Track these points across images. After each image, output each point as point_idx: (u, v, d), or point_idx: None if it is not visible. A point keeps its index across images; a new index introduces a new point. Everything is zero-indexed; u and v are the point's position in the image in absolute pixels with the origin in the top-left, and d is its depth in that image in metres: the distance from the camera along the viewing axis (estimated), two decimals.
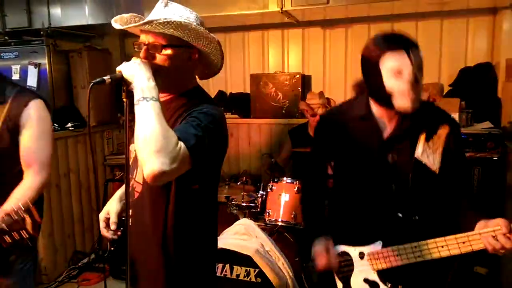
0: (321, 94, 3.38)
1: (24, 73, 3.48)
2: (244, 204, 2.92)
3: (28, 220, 1.32)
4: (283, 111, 3.82)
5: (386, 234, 1.49)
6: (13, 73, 3.53)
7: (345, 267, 1.56)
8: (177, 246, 1.35)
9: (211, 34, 1.29)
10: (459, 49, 3.43)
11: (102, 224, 1.52)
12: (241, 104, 4.01)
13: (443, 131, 1.49)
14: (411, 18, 3.48)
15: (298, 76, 3.73)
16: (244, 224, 2.66)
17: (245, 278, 2.43)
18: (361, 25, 3.65)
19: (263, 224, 2.74)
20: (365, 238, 1.53)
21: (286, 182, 2.73)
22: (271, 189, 2.76)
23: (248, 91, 4.04)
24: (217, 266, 2.43)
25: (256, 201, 2.88)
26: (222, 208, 3.02)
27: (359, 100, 1.60)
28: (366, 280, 1.51)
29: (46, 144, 1.69)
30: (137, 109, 1.16)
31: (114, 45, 4.05)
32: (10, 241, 1.34)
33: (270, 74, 3.90)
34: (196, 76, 1.46)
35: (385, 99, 1.43)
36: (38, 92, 3.33)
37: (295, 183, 2.70)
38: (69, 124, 3.44)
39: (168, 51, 1.28)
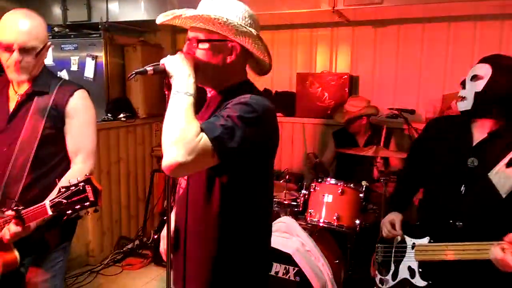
0: (368, 102, 3.31)
1: (82, 64, 3.65)
2: (286, 202, 2.93)
3: (88, 188, 1.37)
4: (328, 112, 3.78)
5: (435, 232, 1.70)
6: (71, 64, 3.71)
7: (400, 253, 1.82)
8: (221, 244, 1.30)
9: (249, 28, 1.23)
10: None
11: (164, 245, 1.49)
12: (286, 102, 4.01)
13: None
14: (469, 19, 3.34)
15: (345, 76, 3.68)
16: (285, 222, 2.67)
17: (284, 276, 2.45)
18: (414, 25, 3.55)
19: (304, 223, 2.74)
20: (420, 232, 1.76)
21: (330, 183, 2.71)
22: (314, 189, 2.75)
23: (294, 90, 4.03)
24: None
25: (298, 200, 2.88)
26: None
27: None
28: (409, 268, 1.76)
29: (92, 133, 1.74)
30: (169, 102, 1.16)
31: (166, 40, 4.16)
32: (71, 212, 1.38)
33: (317, 73, 3.87)
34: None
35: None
36: (94, 84, 3.55)
37: (339, 184, 2.67)
38: (121, 115, 3.58)
39: (206, 46, 1.26)
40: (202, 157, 1.09)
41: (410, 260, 1.76)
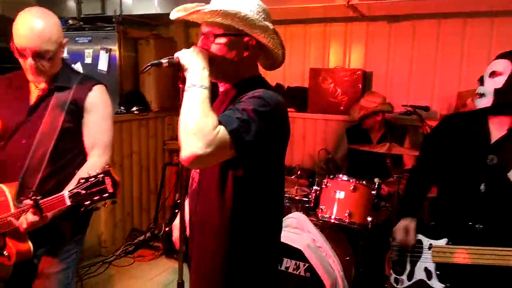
0: (384, 99, 3.27)
1: (96, 57, 3.67)
2: (297, 197, 2.93)
3: (107, 180, 1.38)
4: (341, 108, 3.76)
5: (453, 234, 1.68)
6: (85, 57, 3.74)
7: (416, 253, 1.80)
8: (234, 238, 1.32)
9: (265, 22, 1.24)
10: None
11: (176, 233, 1.52)
12: (298, 98, 3.99)
13: None
14: (485, 16, 3.27)
15: (359, 72, 3.65)
16: (296, 217, 2.67)
17: (294, 271, 2.45)
18: (429, 21, 3.49)
19: (315, 219, 2.73)
20: (437, 232, 1.75)
21: (342, 180, 2.69)
22: (326, 185, 2.74)
23: (306, 85, 4.01)
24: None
25: (309, 196, 2.88)
26: None
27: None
28: (425, 269, 1.74)
29: (109, 127, 1.77)
30: (185, 95, 1.16)
31: (179, 34, 4.17)
32: (89, 203, 1.39)
33: (330, 69, 3.85)
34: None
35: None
36: (108, 76, 3.58)
37: (351, 181, 2.65)
38: (134, 108, 3.61)
39: (223, 40, 1.26)
40: (220, 149, 1.10)
41: (426, 261, 1.74)
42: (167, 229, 3.47)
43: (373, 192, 2.67)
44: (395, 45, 3.67)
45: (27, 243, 1.60)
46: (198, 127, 1.08)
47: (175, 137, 4.02)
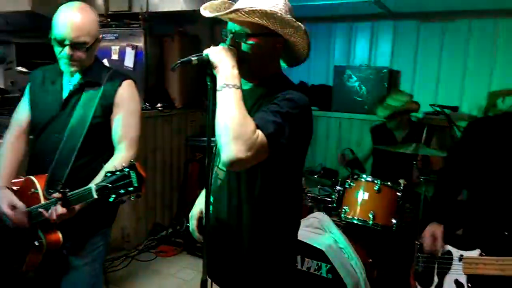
0: (411, 97, 3.19)
1: (122, 54, 3.72)
2: (319, 197, 2.90)
3: (133, 174, 1.39)
4: (366, 106, 3.70)
5: (486, 245, 1.61)
6: (112, 53, 3.79)
7: (445, 264, 1.73)
8: (256, 234, 1.36)
9: (298, 22, 1.25)
10: None
11: (194, 223, 1.56)
12: (322, 96, 3.96)
13: None
14: None
15: (385, 70, 3.58)
16: (318, 218, 2.64)
17: (316, 272, 2.43)
18: (460, 19, 3.39)
19: (337, 220, 2.70)
20: (468, 243, 1.68)
21: (366, 180, 2.65)
22: (349, 185, 2.70)
23: (330, 83, 3.97)
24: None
25: (332, 196, 2.84)
26: None
27: None
28: (456, 281, 1.68)
29: (136, 122, 1.80)
30: (219, 95, 1.18)
31: (204, 31, 4.18)
32: (115, 196, 1.41)
33: (355, 67, 3.79)
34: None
35: None
36: (134, 73, 3.62)
37: (375, 182, 2.60)
38: (159, 105, 3.64)
39: (254, 40, 1.27)
40: (259, 152, 1.14)
41: (457, 273, 1.67)
42: (188, 225, 3.49)
43: (398, 193, 2.62)
44: (424, 43, 3.58)
45: (57, 233, 1.64)
46: (239, 131, 1.11)
47: (198, 134, 4.05)
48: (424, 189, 2.49)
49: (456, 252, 1.70)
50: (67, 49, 1.63)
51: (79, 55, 1.66)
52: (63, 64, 1.69)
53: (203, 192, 1.55)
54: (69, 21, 1.61)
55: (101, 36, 1.74)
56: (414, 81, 3.65)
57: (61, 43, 1.63)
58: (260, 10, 1.19)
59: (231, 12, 1.21)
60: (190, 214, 1.60)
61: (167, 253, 3.46)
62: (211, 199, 1.38)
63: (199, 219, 1.56)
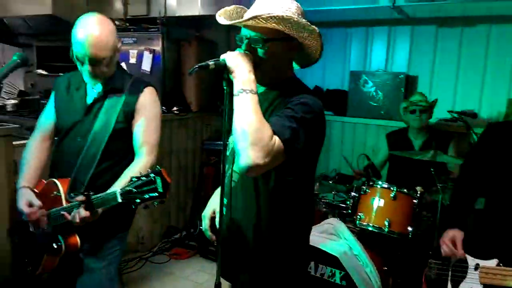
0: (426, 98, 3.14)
1: (140, 58, 3.76)
2: (334, 203, 2.88)
3: (158, 180, 1.40)
4: (382, 112, 3.67)
5: (504, 254, 1.55)
6: (130, 57, 3.84)
7: (460, 272, 1.68)
8: (270, 238, 1.38)
9: (312, 25, 1.26)
10: None
11: (207, 223, 1.56)
12: (337, 101, 3.94)
13: None
14: None
15: (402, 76, 3.55)
16: (333, 224, 2.62)
17: (329, 279, 2.41)
18: (479, 24, 3.34)
19: (352, 226, 2.67)
20: (486, 252, 1.62)
21: (382, 187, 2.62)
22: (364, 191, 2.67)
23: (345, 88, 3.95)
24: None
25: (347, 202, 2.82)
26: None
27: None
28: None
29: (156, 127, 1.82)
30: (236, 100, 1.19)
31: (220, 36, 4.20)
32: (139, 201, 1.42)
33: (372, 72, 3.76)
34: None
35: None
36: (151, 77, 3.67)
37: (391, 188, 2.57)
38: (175, 108, 3.68)
39: (271, 44, 1.28)
40: (276, 158, 1.17)
41: (472, 282, 1.62)
42: (201, 227, 3.50)
43: (415, 201, 2.58)
44: (442, 48, 3.54)
45: (75, 237, 1.67)
46: (257, 137, 1.13)
47: (213, 137, 4.07)
48: (441, 197, 2.45)
49: (472, 261, 1.65)
50: (87, 66, 1.66)
51: (100, 70, 1.69)
52: (86, 77, 1.73)
53: (216, 192, 1.62)
54: (88, 39, 1.61)
55: (119, 44, 1.75)
56: (431, 87, 3.61)
57: (82, 61, 1.65)
58: (278, 16, 1.20)
59: (249, 19, 1.22)
60: (202, 214, 1.61)
61: (180, 256, 3.48)
62: (225, 201, 1.39)
63: (212, 218, 1.57)
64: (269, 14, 1.20)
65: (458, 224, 1.77)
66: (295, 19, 1.22)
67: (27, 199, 1.69)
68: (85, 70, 1.68)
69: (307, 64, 1.46)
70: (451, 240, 1.73)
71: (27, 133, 3.55)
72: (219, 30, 4.21)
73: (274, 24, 1.22)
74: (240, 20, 1.26)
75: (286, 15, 1.21)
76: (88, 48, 1.61)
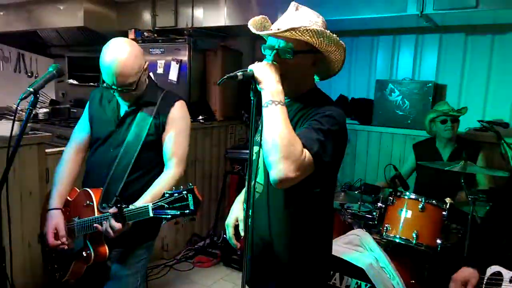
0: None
1: (167, 68, 3.85)
2: (360, 213, 2.83)
3: (190, 197, 1.43)
4: (408, 121, 3.60)
5: None
6: (158, 67, 3.93)
7: (494, 285, 1.62)
8: (293, 248, 1.39)
9: (341, 41, 1.29)
10: None
11: (231, 231, 1.57)
12: (363, 110, 3.89)
13: None
14: None
15: (430, 84, 3.48)
16: (358, 235, 2.58)
17: None
18: (511, 32, 3.24)
19: (378, 238, 2.62)
20: None
21: (410, 198, 2.56)
22: (392, 202, 2.62)
23: (371, 97, 3.90)
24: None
25: (373, 213, 2.77)
26: (336, 215, 2.97)
27: None
28: None
29: (185, 140, 1.86)
30: (265, 112, 1.20)
31: (245, 46, 4.25)
32: (170, 217, 1.46)
33: (398, 80, 3.70)
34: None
35: None
36: (177, 86, 3.73)
37: (419, 200, 2.51)
38: (200, 117, 3.72)
39: (301, 56, 1.29)
40: (306, 171, 1.19)
41: None
42: (225, 236, 3.51)
43: (444, 212, 2.51)
44: (472, 57, 3.45)
45: (104, 246, 1.70)
46: (289, 151, 1.14)
47: (237, 146, 4.09)
48: (472, 209, 2.37)
49: (507, 274, 1.60)
50: (116, 92, 1.71)
51: (129, 94, 1.73)
52: (118, 97, 1.78)
53: (236, 200, 1.64)
54: (114, 68, 1.63)
55: (146, 64, 1.76)
56: (460, 96, 3.51)
57: (110, 87, 1.69)
58: (314, 29, 1.22)
59: (286, 31, 1.23)
60: (226, 223, 1.62)
61: (204, 264, 3.49)
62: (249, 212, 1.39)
63: (236, 226, 1.58)
64: (306, 27, 1.22)
65: (476, 263, 1.66)
66: (328, 34, 1.24)
67: (55, 224, 1.72)
68: (115, 94, 1.74)
69: (327, 76, 1.47)
70: (464, 280, 1.62)
71: (58, 141, 3.68)
72: (243, 40, 4.26)
73: (308, 37, 1.24)
74: (279, 30, 1.26)
75: (321, 29, 1.23)
76: (115, 77, 1.65)
